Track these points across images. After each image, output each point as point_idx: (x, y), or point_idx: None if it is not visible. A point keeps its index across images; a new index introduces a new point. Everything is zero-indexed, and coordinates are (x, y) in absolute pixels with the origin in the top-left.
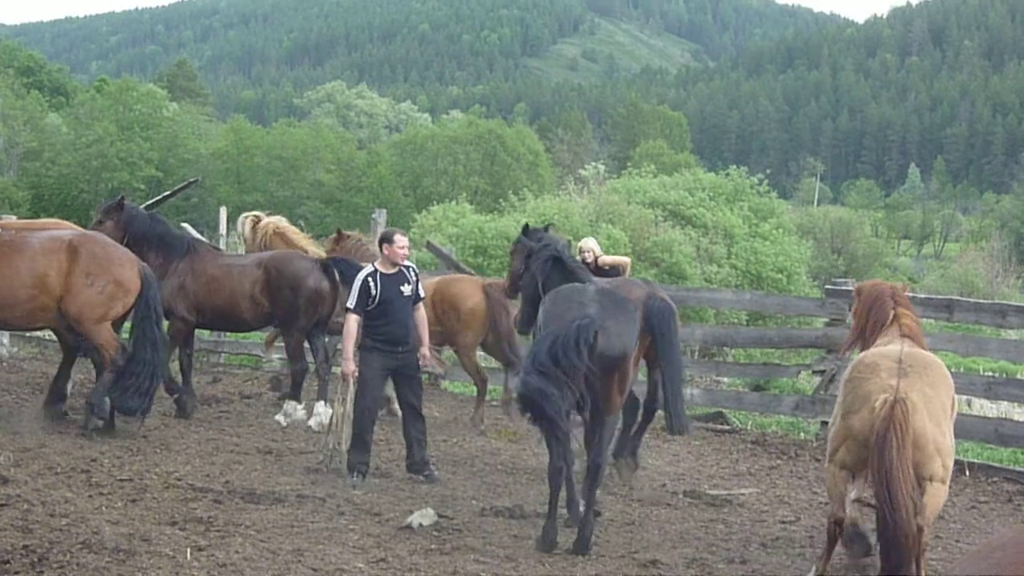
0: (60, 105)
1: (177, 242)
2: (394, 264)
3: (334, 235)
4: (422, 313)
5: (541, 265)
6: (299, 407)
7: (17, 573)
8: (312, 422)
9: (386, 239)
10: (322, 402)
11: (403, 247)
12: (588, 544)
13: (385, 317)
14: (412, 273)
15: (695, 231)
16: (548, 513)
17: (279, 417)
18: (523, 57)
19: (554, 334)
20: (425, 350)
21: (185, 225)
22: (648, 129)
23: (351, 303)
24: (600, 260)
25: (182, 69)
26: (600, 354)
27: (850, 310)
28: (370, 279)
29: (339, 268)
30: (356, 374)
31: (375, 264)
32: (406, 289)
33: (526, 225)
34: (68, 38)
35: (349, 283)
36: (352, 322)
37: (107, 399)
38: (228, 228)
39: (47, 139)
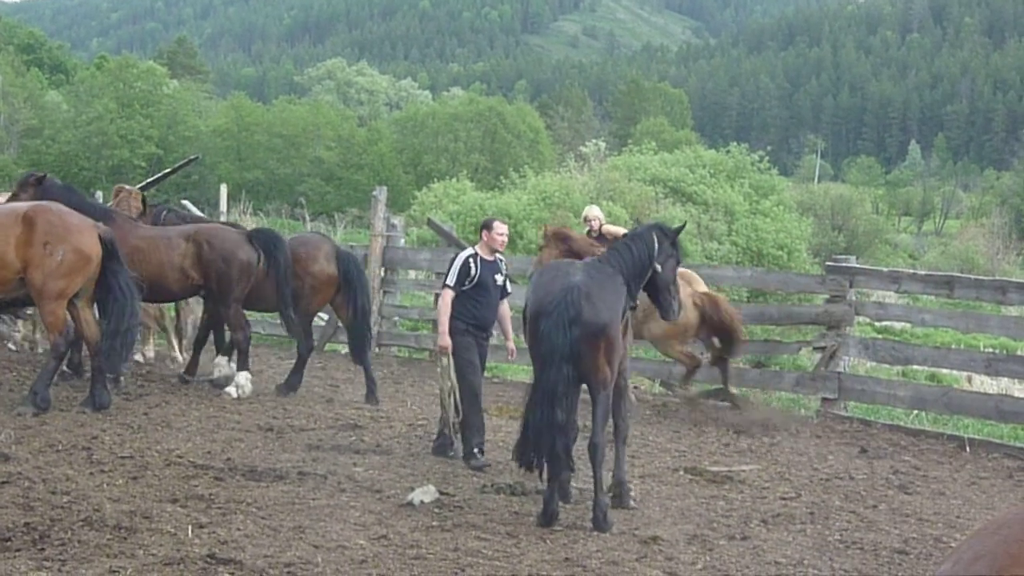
0: (60, 82)
1: (93, 211)
2: (492, 251)
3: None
4: (506, 307)
5: None
6: (250, 377)
7: (19, 550)
8: (231, 389)
9: (486, 226)
10: (245, 373)
11: (502, 234)
12: (603, 522)
13: (479, 301)
14: (503, 265)
15: (696, 208)
16: (548, 486)
17: (229, 389)
18: (524, 34)
19: (537, 306)
20: (511, 344)
21: (185, 202)
22: (649, 106)
23: (450, 280)
24: (604, 228)
25: (182, 46)
26: (585, 322)
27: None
28: (471, 260)
29: (262, 240)
30: (451, 348)
31: (475, 248)
32: (499, 279)
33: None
34: (68, 15)
35: (271, 255)
36: (448, 298)
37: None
38: (229, 205)
39: (47, 116)
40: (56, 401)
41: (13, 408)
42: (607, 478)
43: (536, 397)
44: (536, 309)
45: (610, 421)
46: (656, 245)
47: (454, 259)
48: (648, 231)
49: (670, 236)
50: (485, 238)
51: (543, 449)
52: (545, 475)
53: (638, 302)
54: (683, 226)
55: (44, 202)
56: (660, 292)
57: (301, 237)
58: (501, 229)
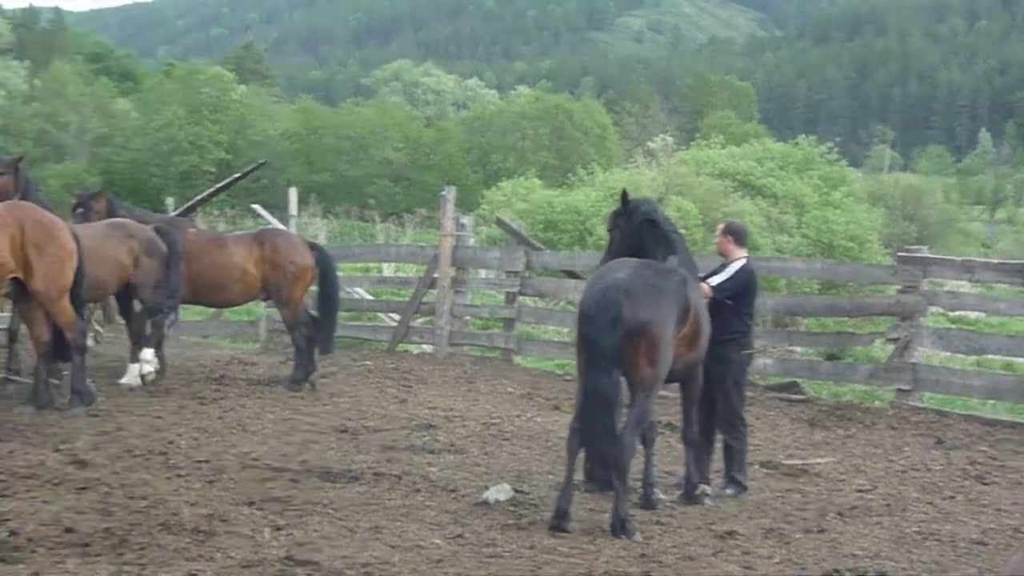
0: (129, 90)
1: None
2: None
3: None
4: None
5: (636, 227)
6: None
7: (99, 555)
8: None
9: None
10: None
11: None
12: (621, 526)
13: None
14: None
15: (765, 201)
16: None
17: None
18: (589, 31)
19: (582, 305)
20: None
21: (255, 206)
22: (716, 100)
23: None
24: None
25: (249, 51)
26: (624, 319)
27: None
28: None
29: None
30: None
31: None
32: None
33: (624, 192)
34: (135, 23)
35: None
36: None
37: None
38: (299, 209)
39: (117, 124)
40: (132, 407)
41: (91, 413)
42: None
43: (587, 404)
44: (579, 311)
45: None
46: None
47: (727, 264)
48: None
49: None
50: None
51: (602, 457)
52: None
53: None
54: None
55: (21, 202)
56: None
57: (276, 229)
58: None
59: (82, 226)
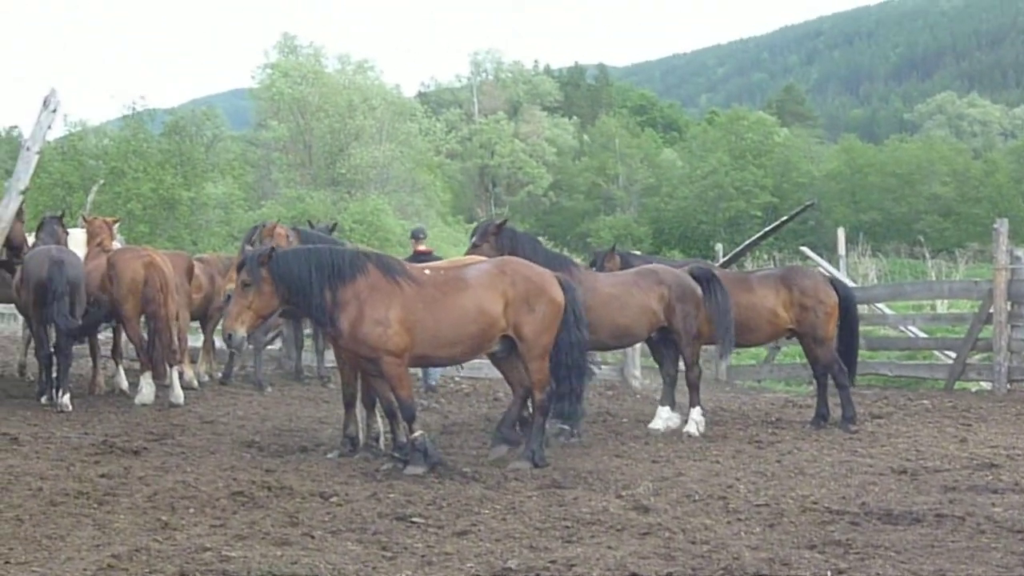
0: (673, 140)
1: (558, 262)
2: None
3: None
4: None
5: None
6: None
7: None
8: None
9: None
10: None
11: None
12: None
13: None
14: None
15: None
16: None
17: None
18: None
19: None
20: None
21: (803, 248)
22: None
23: None
24: None
25: (790, 94)
26: None
27: None
28: None
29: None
30: None
31: None
32: None
33: None
34: (677, 74)
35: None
36: None
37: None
38: (847, 248)
39: (663, 174)
40: (690, 452)
41: (651, 460)
42: None
43: None
44: None
45: None
46: None
47: None
48: None
49: None
50: None
51: None
52: None
53: None
54: None
55: (509, 257)
56: None
57: (799, 268)
58: None
59: (612, 274)
